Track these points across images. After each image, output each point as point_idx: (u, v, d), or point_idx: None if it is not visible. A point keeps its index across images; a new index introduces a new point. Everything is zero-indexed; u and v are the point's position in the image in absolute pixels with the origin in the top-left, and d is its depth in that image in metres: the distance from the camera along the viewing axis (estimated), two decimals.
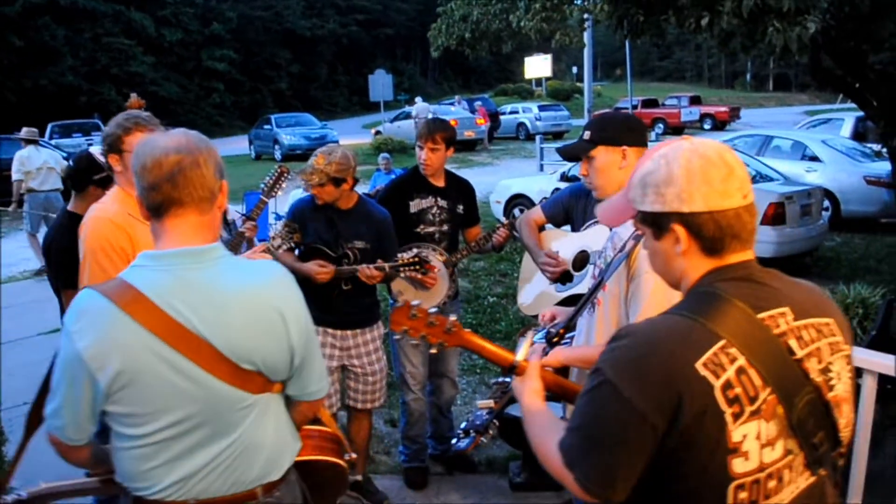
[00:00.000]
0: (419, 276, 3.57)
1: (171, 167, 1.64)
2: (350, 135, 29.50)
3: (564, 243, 3.22)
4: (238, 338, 1.66)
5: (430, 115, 22.77)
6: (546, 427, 1.49)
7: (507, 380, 2.31)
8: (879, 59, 7.45)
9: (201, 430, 1.69)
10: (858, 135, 13.72)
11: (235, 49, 47.15)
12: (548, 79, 48.68)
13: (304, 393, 1.86)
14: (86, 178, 3.26)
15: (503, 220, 8.72)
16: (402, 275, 3.57)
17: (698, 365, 1.23)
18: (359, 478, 3.50)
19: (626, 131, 2.42)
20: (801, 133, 13.95)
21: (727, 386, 1.23)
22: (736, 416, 1.23)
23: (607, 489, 1.29)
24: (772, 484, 1.28)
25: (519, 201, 10.84)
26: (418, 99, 28.29)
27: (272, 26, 50.95)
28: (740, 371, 1.24)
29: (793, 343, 1.31)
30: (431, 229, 3.87)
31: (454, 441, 2.16)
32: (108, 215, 2.59)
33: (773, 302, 1.33)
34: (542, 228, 3.47)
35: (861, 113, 10.01)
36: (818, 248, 9.22)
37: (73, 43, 38.07)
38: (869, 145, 11.60)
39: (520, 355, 1.74)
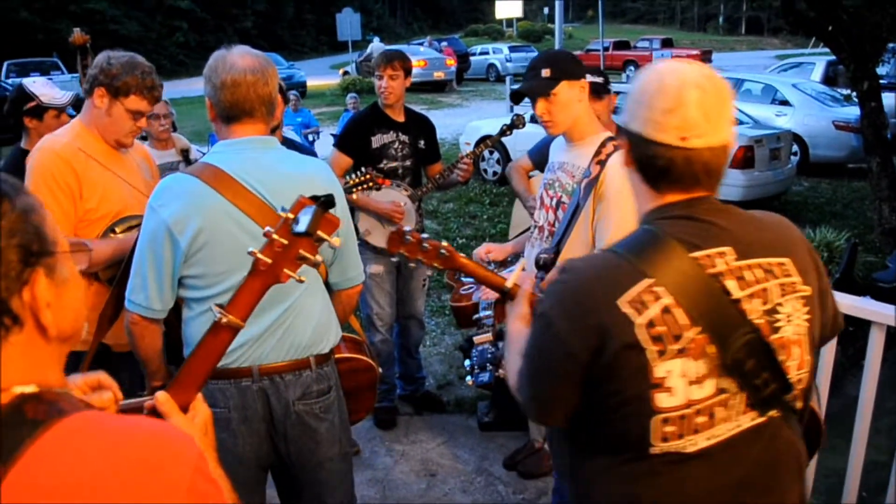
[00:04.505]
0: (373, 192, 3.61)
1: (248, 87, 1.93)
2: (318, 75, 28.96)
3: None
4: None
5: None
6: (518, 352, 1.51)
7: (488, 313, 2.47)
8: (852, 3, 7.39)
9: None
10: (829, 79, 13.75)
11: None
12: (519, 20, 48.03)
13: (344, 278, 2.18)
14: (18, 111, 3.13)
15: None
16: (355, 195, 3.53)
17: (620, 302, 1.24)
18: None
19: (579, 64, 2.51)
20: (772, 77, 13.95)
21: (650, 324, 1.23)
22: (660, 353, 1.24)
23: (544, 415, 1.41)
24: (701, 419, 1.27)
25: (487, 139, 10.73)
26: (375, 38, 27.65)
27: None
28: (665, 310, 1.24)
29: (730, 283, 1.28)
30: (394, 164, 3.81)
31: (473, 377, 2.23)
32: (55, 147, 2.40)
33: (713, 241, 1.29)
34: (530, 175, 3.64)
35: (832, 58, 10.00)
36: (786, 192, 9.31)
37: None
38: (839, 90, 11.63)
39: (510, 281, 1.79)
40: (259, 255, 1.24)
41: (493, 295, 2.58)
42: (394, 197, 3.75)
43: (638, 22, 68.15)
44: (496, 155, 10.37)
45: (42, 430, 0.87)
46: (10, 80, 19.93)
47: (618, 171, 2.35)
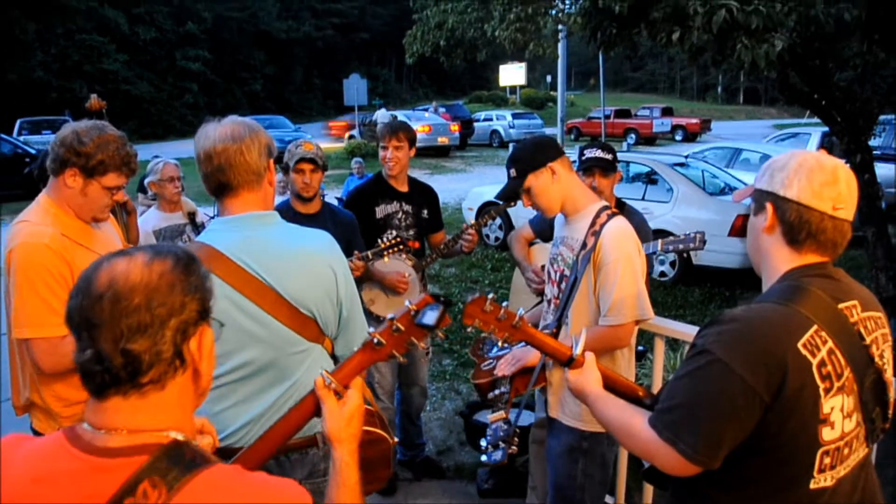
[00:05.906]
0: (404, 253, 3.64)
1: (219, 160, 1.89)
2: (324, 139, 29.40)
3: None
4: (297, 286, 1.92)
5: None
6: (624, 409, 1.68)
7: (504, 390, 2.51)
8: (844, 78, 7.61)
9: (266, 373, 1.95)
10: (824, 150, 13.90)
11: (210, 49, 46.72)
12: (522, 87, 48.95)
13: (350, 350, 2.10)
14: (44, 173, 3.23)
15: None
16: (385, 259, 3.57)
17: (799, 345, 1.43)
18: None
19: (541, 151, 2.59)
20: (770, 146, 14.18)
21: (822, 364, 1.43)
22: (827, 391, 1.43)
23: (712, 457, 1.46)
24: (846, 451, 1.49)
25: (491, 209, 10.88)
26: (381, 107, 28.14)
27: (247, 27, 50.63)
28: (831, 352, 1.45)
29: (862, 330, 1.52)
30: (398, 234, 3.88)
31: (487, 456, 2.26)
32: (43, 241, 2.29)
33: (848, 295, 1.55)
34: (532, 243, 3.71)
35: (827, 128, 10.20)
36: None
37: (44, 38, 37.49)
38: None
39: (578, 349, 1.86)
40: (377, 336, 1.43)
41: (506, 371, 2.65)
42: (398, 267, 3.80)
43: (639, 91, 69.39)
44: (498, 220, 10.51)
45: (198, 470, 1.03)
46: (21, 138, 20.30)
47: (614, 239, 2.44)
